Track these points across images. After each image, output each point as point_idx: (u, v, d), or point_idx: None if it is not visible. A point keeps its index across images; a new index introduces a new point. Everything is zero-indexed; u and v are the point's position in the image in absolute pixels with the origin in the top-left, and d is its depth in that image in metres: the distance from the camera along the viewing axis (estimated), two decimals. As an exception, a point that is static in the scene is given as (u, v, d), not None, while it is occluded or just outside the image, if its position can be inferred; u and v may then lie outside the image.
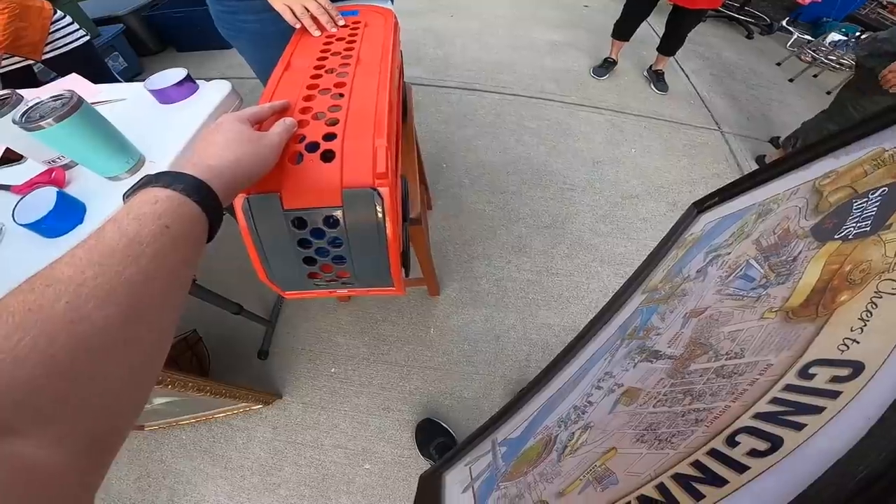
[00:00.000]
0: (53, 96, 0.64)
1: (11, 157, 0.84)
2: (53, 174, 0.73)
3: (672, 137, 2.34)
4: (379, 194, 0.51)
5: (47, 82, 1.69)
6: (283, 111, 0.55)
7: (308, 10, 0.82)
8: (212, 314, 1.22)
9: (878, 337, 0.26)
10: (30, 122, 0.60)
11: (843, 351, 0.27)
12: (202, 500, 1.24)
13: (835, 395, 0.26)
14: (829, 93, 2.82)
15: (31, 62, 1.54)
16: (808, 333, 0.31)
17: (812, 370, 0.29)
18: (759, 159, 2.23)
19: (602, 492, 0.39)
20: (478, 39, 3.17)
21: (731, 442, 0.30)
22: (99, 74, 1.60)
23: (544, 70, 2.86)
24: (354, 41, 0.76)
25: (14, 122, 0.60)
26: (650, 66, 2.84)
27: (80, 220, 0.67)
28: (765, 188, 0.52)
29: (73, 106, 0.61)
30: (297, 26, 0.84)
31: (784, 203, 0.46)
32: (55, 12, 1.56)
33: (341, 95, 0.60)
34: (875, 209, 0.33)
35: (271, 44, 1.09)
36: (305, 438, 1.32)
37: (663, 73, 2.76)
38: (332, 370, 1.44)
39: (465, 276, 1.68)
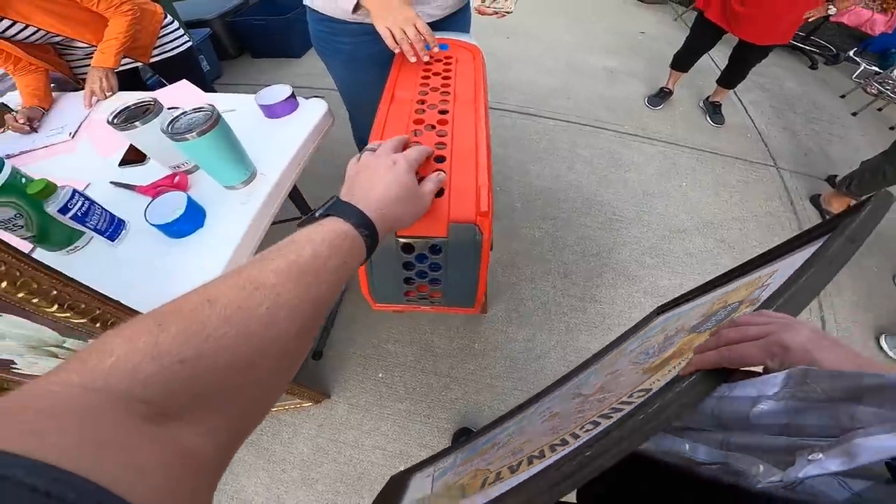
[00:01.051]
0: (196, 108, 0.72)
1: (134, 158, 0.95)
2: (177, 179, 0.83)
3: (725, 172, 2.31)
4: (480, 229, 0.57)
5: (147, 83, 1.82)
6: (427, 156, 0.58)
7: (407, 36, 0.87)
8: None
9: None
10: (176, 133, 0.69)
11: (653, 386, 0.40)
12: (241, 489, 1.31)
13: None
14: (892, 128, 2.72)
15: (138, 64, 1.61)
16: (644, 379, 0.45)
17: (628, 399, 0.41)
18: (814, 199, 2.16)
19: (513, 456, 0.54)
20: (534, 63, 3.21)
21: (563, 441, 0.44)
22: (197, 79, 1.68)
23: (599, 97, 2.87)
24: (450, 77, 0.83)
25: (162, 130, 0.69)
26: (707, 97, 2.75)
27: (202, 224, 0.76)
28: (703, 297, 0.67)
29: (215, 120, 0.69)
30: (396, 51, 0.90)
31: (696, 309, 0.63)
32: (165, 16, 1.61)
33: (444, 133, 0.66)
34: (723, 316, 0.48)
35: (361, 67, 1.18)
36: (347, 438, 1.39)
37: (721, 105, 2.67)
38: (380, 375, 1.51)
39: (511, 296, 1.73)
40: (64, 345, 0.68)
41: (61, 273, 0.51)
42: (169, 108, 0.85)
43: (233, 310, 0.26)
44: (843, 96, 3.06)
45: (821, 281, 0.38)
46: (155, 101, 0.80)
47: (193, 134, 0.68)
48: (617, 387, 0.52)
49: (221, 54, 3.13)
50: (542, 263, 1.83)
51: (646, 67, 3.17)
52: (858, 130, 2.74)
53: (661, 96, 2.77)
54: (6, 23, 1.20)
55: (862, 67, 3.19)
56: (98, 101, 1.25)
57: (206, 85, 1.75)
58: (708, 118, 2.69)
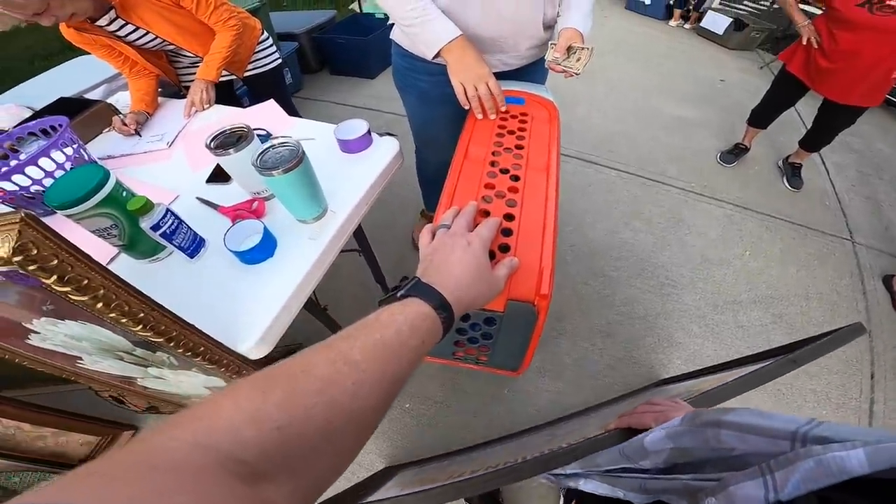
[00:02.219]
0: (282, 143, 0.77)
1: (220, 177, 1.02)
2: (255, 205, 0.88)
3: (795, 244, 2.15)
4: (537, 310, 0.57)
5: (237, 92, 1.94)
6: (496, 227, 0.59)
7: (478, 93, 0.91)
8: (314, 331, 1.32)
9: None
10: (263, 166, 0.74)
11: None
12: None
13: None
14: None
15: (233, 77, 1.71)
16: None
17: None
18: (887, 280, 1.96)
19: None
20: (601, 107, 3.15)
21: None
22: (281, 96, 1.75)
23: (667, 148, 2.76)
24: (524, 138, 0.84)
25: (252, 164, 0.74)
26: (787, 157, 2.55)
27: (272, 255, 0.80)
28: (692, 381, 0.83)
29: (299, 159, 0.73)
30: (467, 107, 0.94)
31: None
32: (262, 32, 1.71)
33: (514, 203, 0.67)
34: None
35: (434, 105, 1.24)
36: (363, 460, 1.40)
37: (801, 167, 2.48)
38: (407, 405, 1.52)
39: (548, 348, 1.69)
40: (134, 352, 0.73)
41: (150, 299, 0.56)
42: (255, 129, 0.92)
43: (324, 383, 0.29)
44: (939, 163, 2.76)
45: (746, 386, 0.57)
46: (249, 129, 0.85)
47: (279, 171, 0.72)
48: (582, 427, 0.65)
49: (304, 67, 3.33)
50: (585, 320, 1.78)
51: (722, 119, 3.02)
52: (948, 205, 2.47)
53: (736, 153, 2.61)
54: (130, 27, 1.32)
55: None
56: (196, 111, 1.35)
57: (289, 104, 1.84)
58: (785, 181, 2.50)
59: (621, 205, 2.33)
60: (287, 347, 1.53)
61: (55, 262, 0.44)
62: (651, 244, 2.12)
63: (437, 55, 0.95)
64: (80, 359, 0.80)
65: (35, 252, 0.42)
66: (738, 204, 2.34)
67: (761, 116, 2.49)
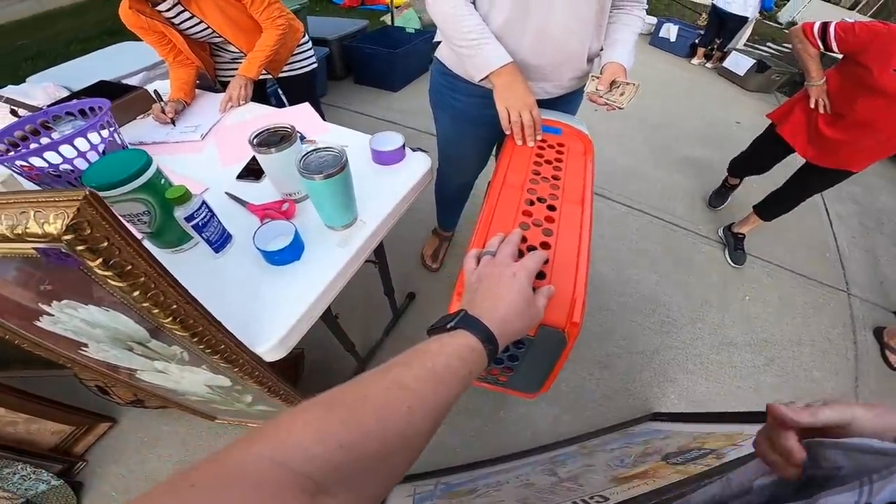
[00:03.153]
0: (326, 148, 0.78)
1: (251, 173, 1.03)
2: (286, 206, 0.89)
3: (793, 292, 2.18)
4: (567, 337, 0.58)
5: (267, 90, 1.94)
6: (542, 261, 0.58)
7: (521, 120, 0.93)
8: (317, 338, 1.27)
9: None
10: (307, 170, 0.75)
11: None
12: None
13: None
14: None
15: (269, 77, 1.69)
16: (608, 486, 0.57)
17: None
18: (878, 331, 1.99)
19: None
20: (616, 141, 3.18)
21: None
22: (312, 100, 1.74)
23: (677, 189, 2.79)
24: (561, 168, 0.85)
25: (296, 167, 0.75)
26: (730, 225, 2.35)
27: (298, 258, 0.81)
28: (693, 426, 0.83)
29: (341, 167, 0.74)
30: (508, 133, 0.96)
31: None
32: (304, 34, 1.72)
33: (550, 232, 0.68)
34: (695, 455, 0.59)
35: (466, 125, 1.26)
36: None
37: (744, 238, 2.28)
38: (405, 414, 1.50)
39: None
40: (148, 344, 0.72)
41: (186, 291, 0.56)
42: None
43: (382, 407, 0.32)
44: (938, 217, 2.82)
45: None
46: (293, 130, 0.86)
47: (322, 175, 0.73)
48: (587, 483, 0.64)
49: (330, 74, 3.37)
50: (585, 350, 1.79)
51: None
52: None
53: (723, 193, 2.55)
54: (186, 14, 1.35)
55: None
56: (232, 106, 1.37)
57: (319, 109, 1.84)
58: (727, 255, 2.30)
59: (628, 240, 2.35)
60: (291, 351, 1.52)
61: (105, 244, 0.43)
62: (655, 282, 2.14)
63: (486, 78, 0.98)
64: (86, 346, 0.78)
65: (88, 232, 0.40)
66: (749, 252, 2.35)
67: (738, 168, 2.36)
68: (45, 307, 0.63)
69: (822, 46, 1.63)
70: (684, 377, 1.75)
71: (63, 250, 0.41)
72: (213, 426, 1.45)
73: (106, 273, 0.46)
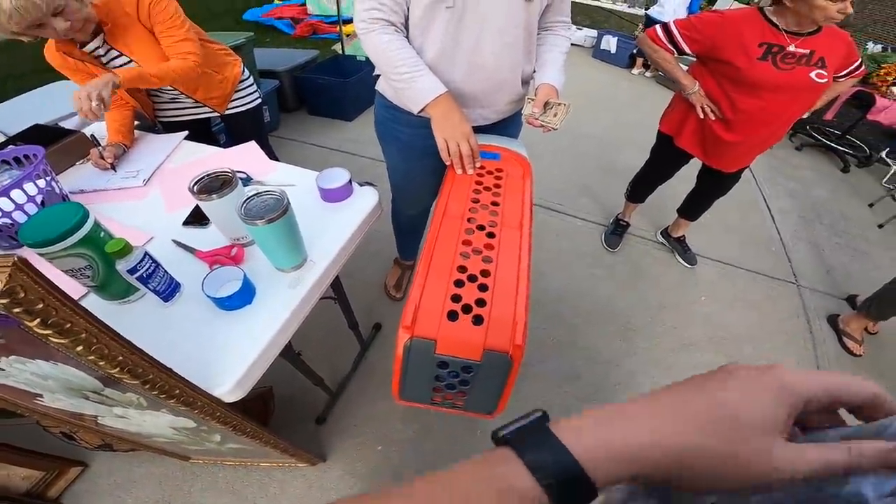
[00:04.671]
0: (268, 191, 0.79)
1: (197, 219, 1.02)
2: (234, 251, 0.89)
3: (747, 288, 2.30)
4: (512, 360, 0.61)
5: (213, 129, 1.93)
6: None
7: (459, 150, 0.96)
8: (287, 374, 1.24)
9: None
10: (247, 215, 0.75)
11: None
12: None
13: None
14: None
15: (214, 114, 1.68)
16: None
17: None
18: (832, 319, 2.10)
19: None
20: (566, 156, 3.25)
21: None
22: (259, 136, 1.75)
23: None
24: (500, 194, 0.89)
25: (237, 213, 0.75)
26: (666, 230, 2.45)
27: (250, 302, 0.81)
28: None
29: (283, 210, 0.75)
30: (448, 163, 1.00)
31: None
32: (243, 72, 1.69)
33: (490, 259, 0.72)
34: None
35: (413, 156, 1.28)
36: (334, 500, 1.35)
37: (685, 238, 2.39)
38: (379, 447, 1.49)
39: (516, 392, 1.66)
40: (102, 392, 0.71)
41: (130, 342, 0.56)
42: (238, 172, 0.93)
43: None
44: (871, 205, 3.04)
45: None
46: (233, 175, 0.86)
47: (264, 220, 0.74)
48: None
49: (282, 106, 3.32)
50: (551, 364, 1.83)
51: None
52: (883, 246, 2.72)
53: (619, 233, 2.44)
54: (115, 53, 1.32)
55: (893, 170, 3.17)
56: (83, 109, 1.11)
57: (267, 146, 1.83)
58: (678, 258, 2.40)
59: (583, 254, 2.43)
60: (256, 391, 1.49)
61: (41, 305, 0.44)
62: (611, 290, 2.21)
63: (423, 110, 1.00)
64: (41, 396, 0.77)
65: (23, 295, 0.42)
66: (697, 252, 2.46)
67: (640, 191, 2.30)
68: (-7, 362, 0.62)
69: (675, 51, 1.61)
70: (650, 382, 1.80)
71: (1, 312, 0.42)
72: (189, 465, 1.41)
73: (45, 332, 0.46)
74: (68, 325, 0.48)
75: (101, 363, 0.54)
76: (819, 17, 1.33)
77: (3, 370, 0.64)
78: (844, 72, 1.51)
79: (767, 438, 0.25)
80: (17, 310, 0.42)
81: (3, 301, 0.40)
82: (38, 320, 0.45)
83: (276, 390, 1.54)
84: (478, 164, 0.99)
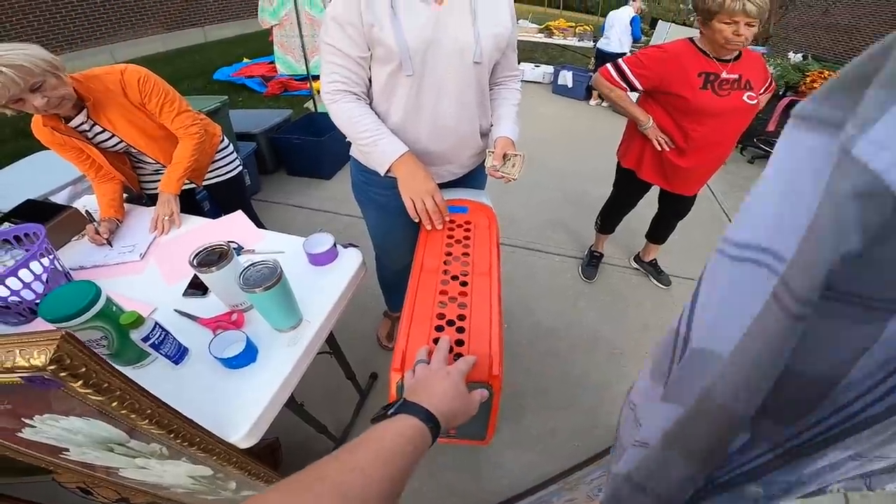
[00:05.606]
0: (262, 261, 0.89)
1: (197, 289, 1.10)
2: (234, 317, 0.98)
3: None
4: (492, 389, 0.70)
5: (197, 197, 1.98)
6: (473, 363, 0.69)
7: (426, 207, 1.03)
8: (293, 424, 1.30)
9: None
10: (246, 284, 0.85)
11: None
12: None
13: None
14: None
15: (193, 186, 1.69)
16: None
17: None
18: None
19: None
20: (537, 194, 3.44)
21: None
22: (243, 202, 1.81)
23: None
24: (469, 245, 1.00)
25: (237, 284, 0.85)
26: (637, 255, 2.61)
27: (254, 360, 0.90)
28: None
29: (279, 278, 0.85)
30: (416, 220, 1.07)
31: None
32: (222, 139, 1.72)
33: (465, 305, 0.82)
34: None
35: (390, 216, 1.33)
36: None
37: (656, 262, 2.54)
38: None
39: (516, 423, 1.79)
40: (127, 444, 0.77)
41: (157, 398, 0.65)
42: (229, 242, 1.02)
43: (338, 486, 0.37)
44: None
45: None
46: (229, 247, 0.95)
47: (261, 288, 0.84)
48: None
49: (261, 168, 3.36)
50: (545, 395, 1.91)
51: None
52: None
53: (595, 264, 2.58)
54: (98, 128, 1.37)
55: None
56: (163, 229, 1.35)
57: (252, 212, 1.88)
58: (654, 280, 2.53)
59: (565, 287, 2.54)
60: (264, 441, 1.52)
61: (84, 369, 0.54)
62: (595, 319, 2.32)
63: (389, 171, 1.08)
64: (67, 450, 0.81)
65: (69, 362, 0.51)
66: (670, 272, 2.60)
67: (609, 223, 2.41)
68: (27, 420, 0.69)
69: (628, 87, 1.73)
70: (643, 403, 1.89)
71: (46, 377, 0.51)
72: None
73: (86, 391, 0.56)
74: (105, 385, 0.57)
75: (132, 416, 0.63)
76: (720, 39, 1.46)
77: (35, 427, 0.70)
78: (762, 89, 1.64)
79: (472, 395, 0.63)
80: (63, 374, 0.51)
81: (52, 367, 0.50)
82: (81, 381, 0.54)
83: (283, 439, 1.58)
84: (447, 219, 1.06)
